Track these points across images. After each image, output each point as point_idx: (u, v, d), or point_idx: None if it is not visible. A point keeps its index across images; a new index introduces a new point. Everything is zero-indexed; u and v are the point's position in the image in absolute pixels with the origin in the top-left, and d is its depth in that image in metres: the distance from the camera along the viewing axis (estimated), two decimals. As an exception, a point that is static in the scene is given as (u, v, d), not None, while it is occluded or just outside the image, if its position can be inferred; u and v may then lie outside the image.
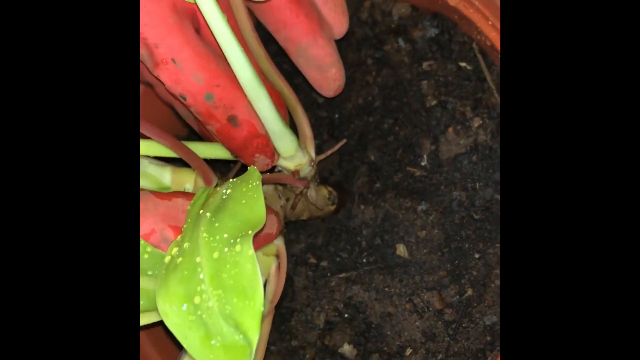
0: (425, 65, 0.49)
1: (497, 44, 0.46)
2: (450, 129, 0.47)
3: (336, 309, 0.47)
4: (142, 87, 0.45)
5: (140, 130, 0.38)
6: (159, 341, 0.49)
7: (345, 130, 0.50)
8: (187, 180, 0.42)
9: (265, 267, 0.44)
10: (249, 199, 0.35)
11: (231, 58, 0.37)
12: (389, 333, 0.46)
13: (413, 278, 0.46)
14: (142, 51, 0.37)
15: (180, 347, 0.50)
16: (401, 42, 0.50)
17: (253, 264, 0.32)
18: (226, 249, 0.32)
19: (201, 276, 0.32)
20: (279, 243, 0.45)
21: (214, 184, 0.41)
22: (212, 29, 0.36)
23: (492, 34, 0.47)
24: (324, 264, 0.49)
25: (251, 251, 0.32)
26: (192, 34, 0.38)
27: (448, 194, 0.47)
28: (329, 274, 0.48)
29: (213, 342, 0.31)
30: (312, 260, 0.49)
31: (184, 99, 0.38)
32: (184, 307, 0.32)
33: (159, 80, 0.38)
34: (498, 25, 0.46)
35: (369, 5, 0.51)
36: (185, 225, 0.36)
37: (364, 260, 0.48)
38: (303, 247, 0.50)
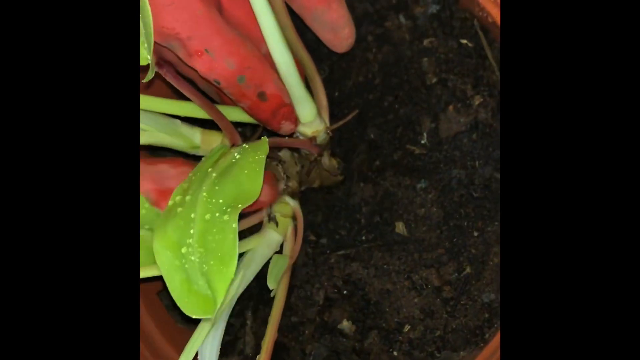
0: (426, 42, 0.49)
1: (498, 21, 0.46)
2: (451, 107, 0.47)
3: (335, 285, 0.48)
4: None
5: (181, 91, 0.41)
6: (157, 313, 0.50)
7: (345, 108, 0.50)
8: (215, 141, 0.45)
9: (283, 228, 0.47)
10: (251, 171, 0.39)
11: (264, 25, 0.40)
12: (387, 310, 0.46)
13: (412, 255, 0.46)
14: (174, 43, 0.40)
15: (179, 319, 0.51)
16: (402, 18, 0.50)
17: (234, 236, 0.36)
18: (217, 214, 0.36)
19: (192, 231, 0.36)
20: (295, 206, 0.48)
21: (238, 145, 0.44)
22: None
23: (494, 11, 0.47)
24: (323, 241, 0.49)
25: (235, 224, 0.36)
26: (220, 21, 0.40)
27: (447, 172, 0.47)
28: (328, 251, 0.48)
29: (195, 287, 0.35)
30: (312, 238, 0.49)
31: (218, 83, 0.41)
32: (181, 251, 0.36)
33: (194, 69, 0.40)
34: (499, 1, 0.46)
35: (370, -20, 0.51)
36: (192, 177, 0.40)
37: (363, 237, 0.48)
38: (303, 225, 0.50)
